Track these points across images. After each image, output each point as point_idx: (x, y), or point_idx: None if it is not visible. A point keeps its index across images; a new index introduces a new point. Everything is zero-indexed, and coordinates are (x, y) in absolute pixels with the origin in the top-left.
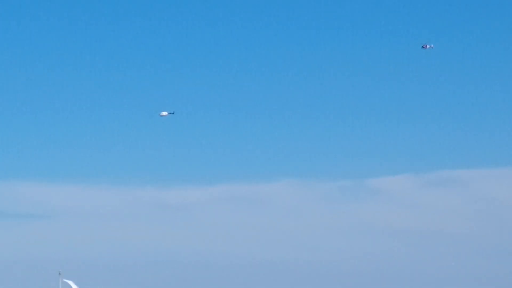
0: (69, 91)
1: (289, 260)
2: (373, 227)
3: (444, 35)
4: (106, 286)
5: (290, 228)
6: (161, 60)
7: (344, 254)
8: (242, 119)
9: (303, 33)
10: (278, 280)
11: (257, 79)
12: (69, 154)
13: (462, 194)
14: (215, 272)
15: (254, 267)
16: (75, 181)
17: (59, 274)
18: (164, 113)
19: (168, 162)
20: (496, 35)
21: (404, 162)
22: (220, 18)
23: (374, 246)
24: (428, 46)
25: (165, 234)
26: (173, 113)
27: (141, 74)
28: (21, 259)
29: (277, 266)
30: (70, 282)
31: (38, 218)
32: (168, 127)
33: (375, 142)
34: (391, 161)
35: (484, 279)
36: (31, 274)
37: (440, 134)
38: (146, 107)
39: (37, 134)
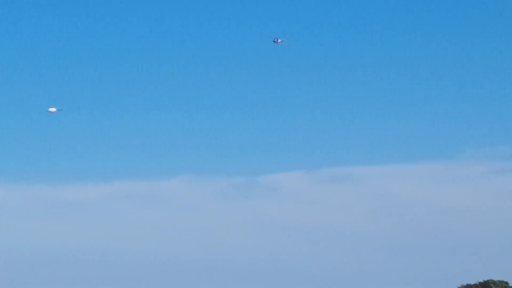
0: None
1: (184, 257)
2: (267, 223)
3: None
4: (3, 285)
5: (186, 224)
6: (47, 56)
7: (240, 251)
8: (135, 116)
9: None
10: (174, 277)
11: (146, 74)
12: None
13: (354, 191)
14: (111, 270)
15: (150, 264)
16: None
17: None
18: (53, 109)
19: (62, 159)
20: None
21: (297, 159)
22: None
23: (269, 242)
24: (280, 40)
25: (60, 232)
26: (61, 110)
27: (27, 71)
28: None
29: (173, 263)
30: None
31: None
32: (62, 124)
33: (268, 139)
34: (284, 158)
35: (376, 274)
36: None
37: (332, 131)
38: (35, 103)
39: None
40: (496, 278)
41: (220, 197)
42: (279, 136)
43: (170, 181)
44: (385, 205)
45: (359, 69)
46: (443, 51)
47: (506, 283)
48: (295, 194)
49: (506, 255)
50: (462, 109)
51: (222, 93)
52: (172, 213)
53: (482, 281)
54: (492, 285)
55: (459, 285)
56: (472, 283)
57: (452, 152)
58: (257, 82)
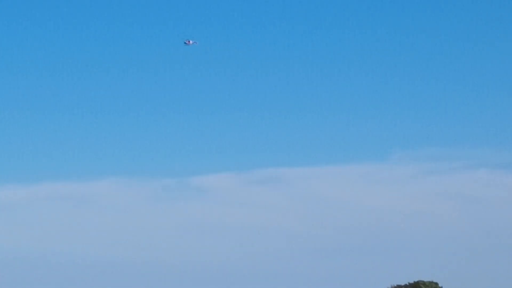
0: None
1: (114, 258)
2: (197, 224)
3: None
4: None
5: (116, 226)
6: None
7: (170, 252)
8: (65, 114)
9: None
10: (103, 279)
11: (77, 72)
12: None
13: (284, 192)
14: (38, 271)
15: (79, 265)
16: None
17: None
18: None
19: None
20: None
21: (226, 160)
22: None
23: (199, 244)
24: (191, 42)
25: None
26: None
27: None
28: None
29: (102, 264)
30: None
31: None
32: None
33: (198, 140)
34: (214, 159)
35: (306, 275)
36: None
37: (262, 132)
38: None
39: None
40: (426, 278)
41: (151, 199)
42: (209, 137)
43: (100, 182)
44: (315, 207)
45: (289, 68)
46: (371, 50)
47: (436, 283)
48: (224, 195)
49: (435, 255)
50: (392, 109)
51: (152, 93)
52: (102, 215)
53: (412, 282)
54: (422, 285)
55: (389, 286)
56: (402, 283)
57: (381, 154)
58: (185, 82)
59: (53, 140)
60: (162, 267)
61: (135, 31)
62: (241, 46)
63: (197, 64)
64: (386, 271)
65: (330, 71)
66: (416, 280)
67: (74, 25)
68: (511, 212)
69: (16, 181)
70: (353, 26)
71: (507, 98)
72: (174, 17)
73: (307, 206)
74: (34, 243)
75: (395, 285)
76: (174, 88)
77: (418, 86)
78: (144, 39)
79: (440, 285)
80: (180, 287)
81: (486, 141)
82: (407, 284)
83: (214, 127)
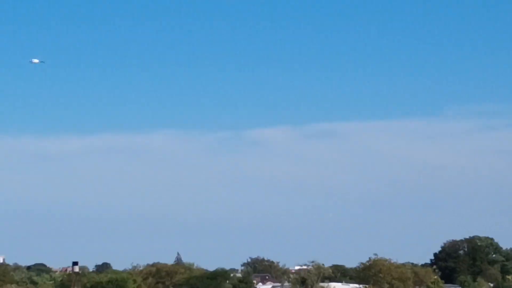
0: None
1: (166, 210)
2: (252, 177)
3: None
4: None
5: (169, 178)
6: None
7: (224, 205)
8: (119, 69)
9: None
10: (155, 230)
11: (129, 29)
12: None
13: (338, 146)
14: (93, 221)
15: (131, 217)
16: None
17: None
18: (35, 60)
19: (45, 111)
20: None
21: (282, 114)
22: None
23: (253, 196)
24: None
25: (44, 183)
26: (43, 62)
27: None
28: None
29: (155, 216)
30: None
31: None
32: (46, 76)
33: (254, 93)
34: (269, 113)
35: (359, 228)
36: None
37: (318, 87)
38: (16, 54)
39: None
40: (481, 234)
41: (205, 151)
42: (265, 91)
43: (155, 134)
44: (369, 161)
45: (347, 28)
46: (425, 11)
47: (491, 239)
48: (280, 149)
49: (490, 212)
50: (447, 65)
51: (209, 48)
52: (155, 166)
53: (468, 237)
54: (477, 241)
55: (445, 241)
56: (458, 239)
57: (435, 109)
58: (244, 37)
59: (109, 92)
60: (215, 219)
61: None
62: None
63: (251, 20)
64: (442, 227)
65: (388, 28)
66: (472, 235)
67: None
68: None
69: (73, 132)
70: None
71: None
72: None
73: (361, 160)
74: (89, 194)
75: (451, 240)
76: (231, 43)
77: (475, 41)
78: None
79: (495, 240)
80: (231, 239)
81: None
82: (463, 239)
83: (270, 80)
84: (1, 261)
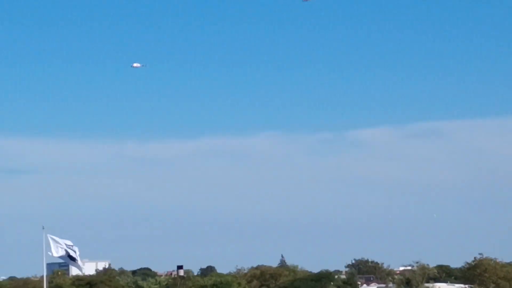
0: (46, 46)
1: (270, 213)
2: (354, 178)
3: None
4: (90, 240)
5: (272, 180)
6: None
7: (327, 206)
8: (223, 72)
9: None
10: (258, 233)
11: (239, 31)
12: (52, 110)
13: (441, 145)
14: (197, 225)
15: (235, 220)
16: (58, 137)
17: (43, 228)
18: (136, 64)
19: (149, 116)
20: None
21: (383, 114)
22: None
23: (355, 197)
24: None
25: (148, 188)
26: (145, 65)
27: (114, 26)
28: (3, 214)
29: (259, 219)
30: (54, 237)
31: (21, 173)
32: (147, 80)
33: (355, 94)
34: (370, 113)
35: (465, 229)
36: (14, 228)
37: (419, 85)
38: (119, 59)
39: (21, 89)
40: None
41: (306, 153)
42: (366, 91)
43: (256, 137)
44: (472, 159)
45: (447, 25)
46: None
47: None
48: (381, 149)
49: None
50: None
51: (306, 51)
52: (259, 169)
53: None
54: None
55: None
56: None
57: None
58: (342, 39)
59: (211, 96)
60: (319, 221)
61: None
62: None
63: (348, 21)
64: None
65: (485, 24)
66: None
67: None
68: None
69: (177, 137)
70: None
71: None
72: None
73: (465, 159)
74: (192, 198)
75: None
76: (332, 44)
77: None
78: None
79: None
80: (335, 238)
81: None
82: None
83: (371, 81)
84: (107, 266)
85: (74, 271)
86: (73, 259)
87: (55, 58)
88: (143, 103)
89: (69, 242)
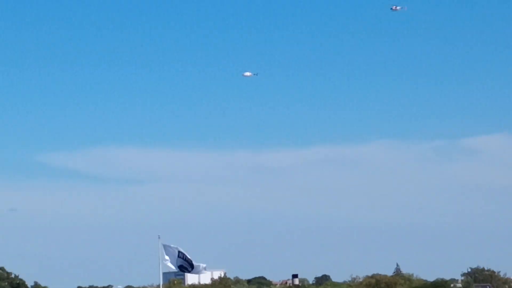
0: (144, 53)
1: (384, 221)
2: (469, 186)
3: None
4: (203, 248)
5: (385, 189)
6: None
7: (441, 214)
8: (334, 80)
9: None
10: (373, 241)
11: (345, 40)
12: (167, 120)
13: None
14: (312, 233)
15: (350, 228)
16: (173, 146)
17: (159, 237)
18: (248, 73)
19: (260, 125)
20: None
21: (499, 121)
22: None
23: (471, 206)
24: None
25: (261, 198)
26: (256, 74)
27: (224, 35)
28: (120, 223)
29: (373, 227)
30: (171, 245)
31: (138, 183)
32: (259, 89)
33: (469, 101)
34: (485, 120)
35: None
36: (131, 237)
37: None
38: (230, 68)
39: (132, 100)
40: None
41: (420, 161)
42: (480, 98)
43: (369, 145)
44: None
45: None
46: None
47: None
48: (496, 156)
49: None
50: None
51: (418, 59)
52: (372, 177)
53: None
54: None
55: None
56: None
57: None
58: (453, 45)
59: (322, 105)
60: (435, 228)
61: None
62: None
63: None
64: None
65: None
66: None
67: None
68: None
69: (287, 146)
70: None
71: None
72: None
73: None
74: (307, 206)
75: None
76: (438, 52)
77: None
78: None
79: None
80: (451, 249)
81: None
82: None
83: (485, 87)
84: (222, 275)
85: (190, 279)
86: (189, 265)
87: (171, 66)
88: (255, 111)
89: (181, 249)
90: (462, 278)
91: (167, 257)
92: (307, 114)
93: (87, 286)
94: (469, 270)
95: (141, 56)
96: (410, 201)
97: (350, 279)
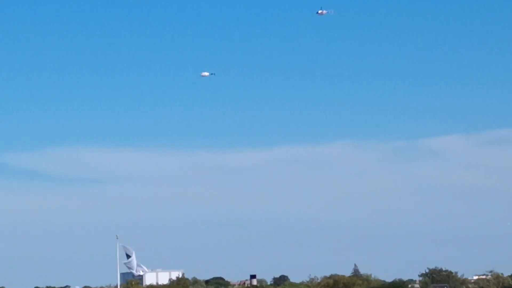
0: (117, 60)
1: (342, 221)
2: (427, 186)
3: None
4: (164, 250)
5: (346, 189)
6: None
7: (399, 215)
8: (297, 81)
9: None
10: (331, 242)
11: (304, 42)
12: (127, 120)
13: None
14: (270, 234)
15: (308, 229)
16: (133, 147)
17: (117, 237)
18: (205, 73)
19: (223, 125)
20: None
21: (456, 122)
22: None
23: (429, 207)
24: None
25: (223, 197)
26: (213, 74)
27: (183, 36)
28: (79, 222)
29: (331, 227)
30: (128, 247)
31: (96, 183)
32: (219, 89)
33: (427, 103)
34: (443, 122)
35: None
36: (89, 237)
37: (491, 94)
38: (188, 68)
39: (96, 100)
40: None
41: (380, 161)
42: (438, 100)
43: (331, 145)
44: None
45: None
46: None
47: None
48: (454, 157)
49: None
50: None
51: (380, 60)
52: (332, 177)
53: None
54: None
55: None
56: None
57: None
58: (413, 46)
59: (284, 106)
60: (392, 229)
61: None
62: None
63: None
64: None
65: None
66: None
67: None
68: None
69: (250, 146)
70: None
71: None
72: None
73: None
74: (267, 206)
75: None
76: (405, 52)
77: None
78: None
79: None
80: (406, 247)
81: None
82: None
83: (443, 88)
84: (180, 275)
85: (148, 280)
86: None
87: (129, 66)
88: (216, 112)
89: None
90: (420, 278)
91: (129, 259)
92: (270, 114)
93: (44, 286)
94: (427, 270)
95: (102, 57)
96: (370, 202)
97: (308, 280)
